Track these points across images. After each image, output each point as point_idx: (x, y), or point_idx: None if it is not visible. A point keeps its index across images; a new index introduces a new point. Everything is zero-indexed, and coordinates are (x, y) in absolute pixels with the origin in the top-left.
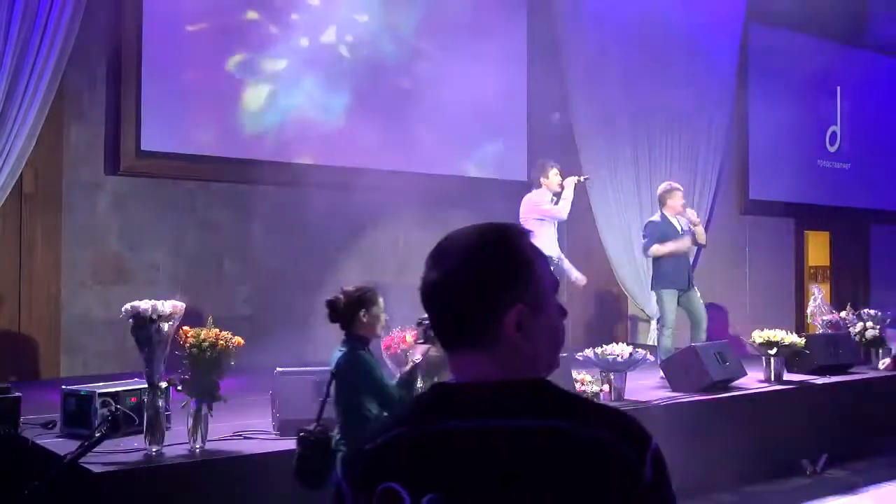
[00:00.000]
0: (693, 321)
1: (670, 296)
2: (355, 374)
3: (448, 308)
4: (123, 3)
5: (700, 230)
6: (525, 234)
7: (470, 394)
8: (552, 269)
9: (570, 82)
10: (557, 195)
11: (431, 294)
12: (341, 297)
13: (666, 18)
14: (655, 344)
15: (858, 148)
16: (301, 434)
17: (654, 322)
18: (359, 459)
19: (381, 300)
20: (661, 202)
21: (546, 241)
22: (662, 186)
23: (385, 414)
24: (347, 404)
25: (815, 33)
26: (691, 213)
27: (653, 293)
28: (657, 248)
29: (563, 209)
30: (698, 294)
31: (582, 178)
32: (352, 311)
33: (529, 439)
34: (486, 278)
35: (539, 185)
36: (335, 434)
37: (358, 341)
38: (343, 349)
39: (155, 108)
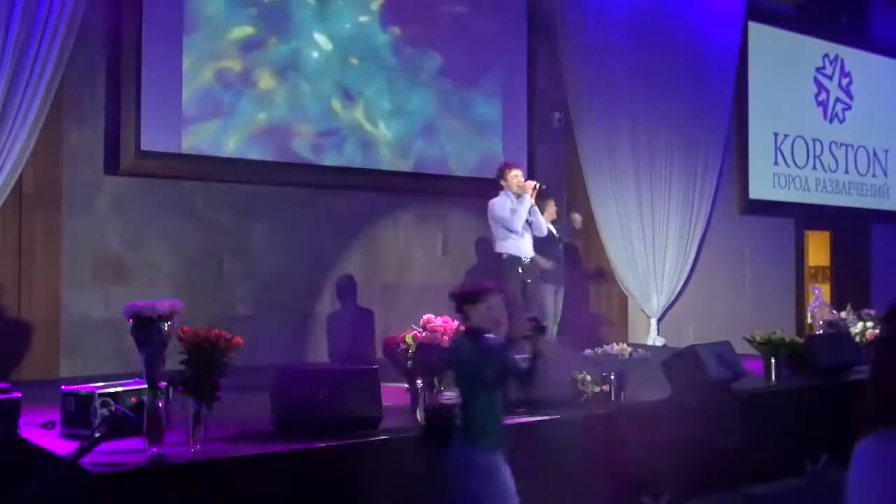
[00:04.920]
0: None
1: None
2: (452, 358)
3: None
4: (123, 3)
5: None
6: None
7: None
8: (520, 271)
9: (571, 82)
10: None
11: None
12: (456, 290)
13: (666, 18)
14: (655, 344)
15: (859, 148)
16: (429, 406)
17: (653, 322)
18: None
19: (490, 298)
20: None
21: (511, 244)
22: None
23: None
24: (462, 383)
25: (815, 33)
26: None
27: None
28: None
29: (515, 221)
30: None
31: (538, 185)
32: (460, 305)
33: None
34: None
35: (501, 189)
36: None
37: (468, 330)
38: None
39: (155, 108)
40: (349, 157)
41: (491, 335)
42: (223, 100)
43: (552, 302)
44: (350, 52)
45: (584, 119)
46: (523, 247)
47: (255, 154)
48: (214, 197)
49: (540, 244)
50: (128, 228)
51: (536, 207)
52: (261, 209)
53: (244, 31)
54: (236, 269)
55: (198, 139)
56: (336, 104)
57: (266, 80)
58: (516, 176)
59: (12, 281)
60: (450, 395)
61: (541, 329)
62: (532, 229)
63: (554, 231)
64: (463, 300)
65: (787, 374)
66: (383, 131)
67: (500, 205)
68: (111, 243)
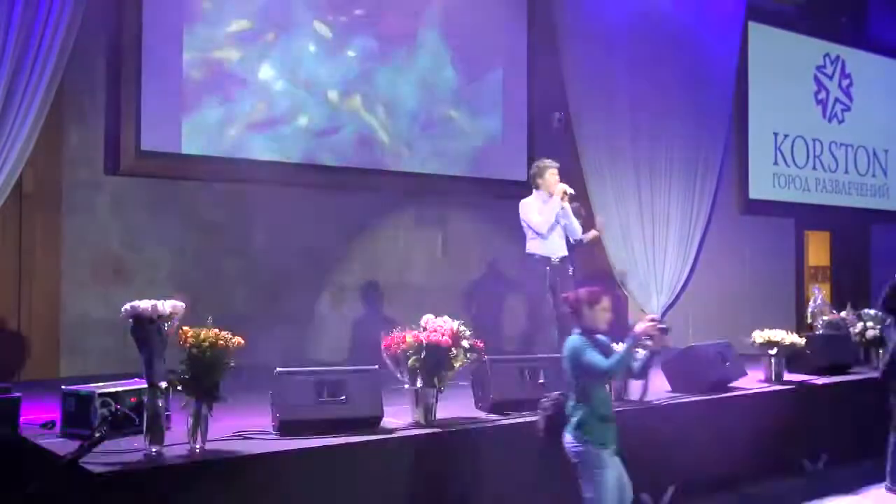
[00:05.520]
0: None
1: None
2: (569, 355)
3: None
4: (123, 3)
5: None
6: None
7: None
8: (548, 270)
9: (571, 82)
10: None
11: None
12: (570, 295)
13: (666, 18)
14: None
15: (858, 148)
16: (542, 400)
17: None
18: None
19: (605, 300)
20: None
21: (539, 244)
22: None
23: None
24: (570, 379)
25: (815, 33)
26: None
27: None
28: None
29: (541, 224)
30: None
31: (569, 191)
32: (579, 307)
33: None
34: None
35: (537, 188)
36: (568, 405)
37: (582, 330)
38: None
39: (155, 108)
40: (349, 156)
41: (602, 334)
42: (224, 99)
43: None
44: (349, 50)
45: (584, 119)
46: (552, 246)
47: (254, 149)
48: (214, 197)
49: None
50: (128, 228)
51: (569, 210)
52: (261, 209)
53: (242, 24)
54: (236, 269)
55: (198, 139)
56: (337, 103)
57: (265, 73)
58: (554, 173)
59: (12, 281)
60: (557, 393)
61: (664, 330)
62: (567, 232)
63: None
64: (581, 303)
65: (787, 374)
66: (383, 127)
67: (530, 206)
68: (111, 243)
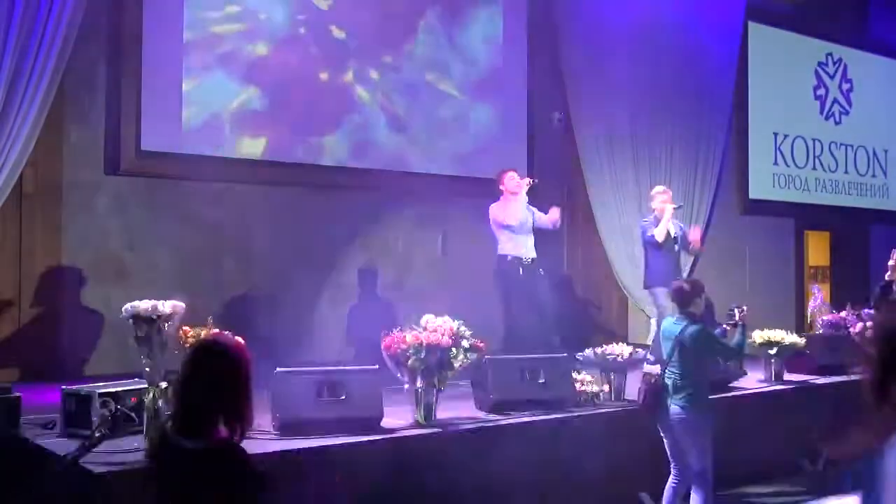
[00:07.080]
0: None
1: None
2: (700, 338)
3: None
4: (123, 4)
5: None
6: None
7: None
8: (521, 272)
9: (570, 82)
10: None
11: None
12: (686, 285)
13: (666, 18)
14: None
15: (858, 148)
16: (645, 376)
17: (653, 322)
18: None
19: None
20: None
21: (511, 245)
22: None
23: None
24: (694, 360)
25: (815, 33)
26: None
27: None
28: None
29: (509, 215)
30: None
31: (532, 181)
32: (692, 296)
33: None
34: None
35: (501, 193)
36: (675, 381)
37: (692, 317)
38: (681, 322)
39: (155, 108)
40: (349, 156)
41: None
42: (223, 100)
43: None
44: (350, 50)
45: (584, 119)
46: (524, 248)
47: (255, 154)
48: (214, 197)
49: (658, 247)
50: (128, 228)
51: (534, 209)
52: (261, 209)
53: (245, 31)
54: (236, 269)
55: (198, 139)
56: (336, 103)
57: (266, 81)
58: (513, 177)
59: (12, 281)
60: (651, 370)
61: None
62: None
63: (670, 230)
64: (693, 294)
65: (787, 373)
66: (383, 131)
67: (496, 207)
68: (111, 243)
